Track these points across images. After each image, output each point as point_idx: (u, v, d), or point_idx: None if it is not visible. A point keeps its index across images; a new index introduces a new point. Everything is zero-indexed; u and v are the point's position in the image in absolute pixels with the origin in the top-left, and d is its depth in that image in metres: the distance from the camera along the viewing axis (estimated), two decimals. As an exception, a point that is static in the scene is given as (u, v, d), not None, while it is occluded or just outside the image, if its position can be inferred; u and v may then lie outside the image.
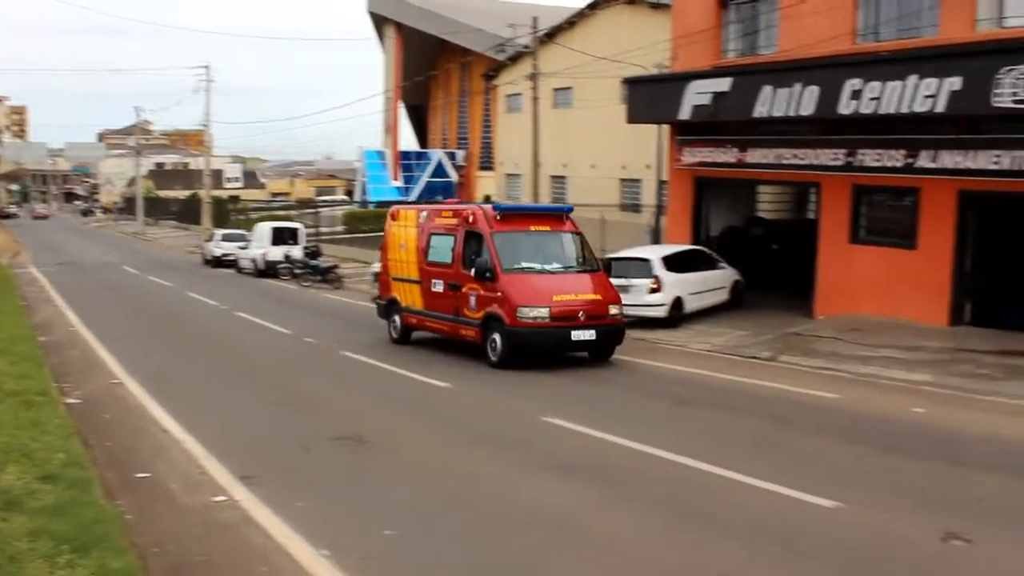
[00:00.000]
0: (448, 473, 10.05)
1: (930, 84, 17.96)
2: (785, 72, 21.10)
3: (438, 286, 18.53)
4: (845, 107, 19.53)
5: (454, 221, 18.45)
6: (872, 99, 18.99)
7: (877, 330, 19.10)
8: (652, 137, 29.68)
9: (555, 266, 17.73)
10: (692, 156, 24.77)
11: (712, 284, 23.04)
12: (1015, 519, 8.48)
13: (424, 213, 19.85)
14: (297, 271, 35.80)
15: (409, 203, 37.70)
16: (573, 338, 16.73)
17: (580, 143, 40.04)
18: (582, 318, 16.77)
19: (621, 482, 9.71)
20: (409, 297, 19.60)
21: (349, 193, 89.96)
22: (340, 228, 55.36)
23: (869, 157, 19.89)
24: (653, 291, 21.49)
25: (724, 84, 22.60)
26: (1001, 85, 16.85)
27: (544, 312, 16.51)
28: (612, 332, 17.34)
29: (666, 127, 26.77)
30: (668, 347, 19.50)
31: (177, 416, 12.60)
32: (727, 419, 12.85)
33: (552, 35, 39.59)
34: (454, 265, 18.09)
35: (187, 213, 78.65)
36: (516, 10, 44.64)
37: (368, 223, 50.36)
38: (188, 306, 28.04)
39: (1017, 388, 14.32)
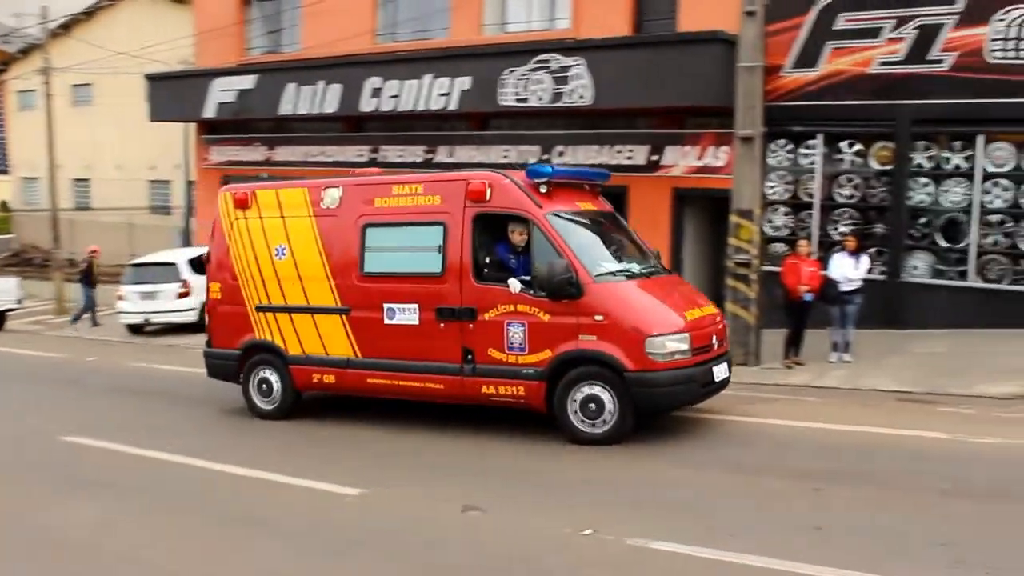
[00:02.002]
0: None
1: (444, 83, 18.82)
2: (309, 70, 21.16)
3: (402, 315, 10.76)
4: (367, 105, 19.96)
5: (437, 200, 10.67)
6: (392, 97, 19.57)
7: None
8: (180, 136, 28.53)
9: (639, 267, 10.81)
10: (220, 155, 24.11)
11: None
12: (519, 488, 8.80)
13: (336, 192, 11.43)
14: None
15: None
16: (716, 378, 10.30)
17: (104, 143, 37.60)
18: (716, 346, 10.42)
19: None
20: (311, 339, 11.49)
21: None
22: None
23: (392, 153, 20.47)
24: (182, 296, 20.60)
25: (249, 81, 22.22)
26: (505, 85, 18.01)
27: (684, 342, 9.86)
28: (729, 363, 10.88)
29: (193, 125, 25.82)
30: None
31: None
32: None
33: (68, 27, 36.88)
34: (449, 276, 10.46)
35: None
36: (25, -2, 41.06)
37: None
38: None
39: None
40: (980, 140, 15.14)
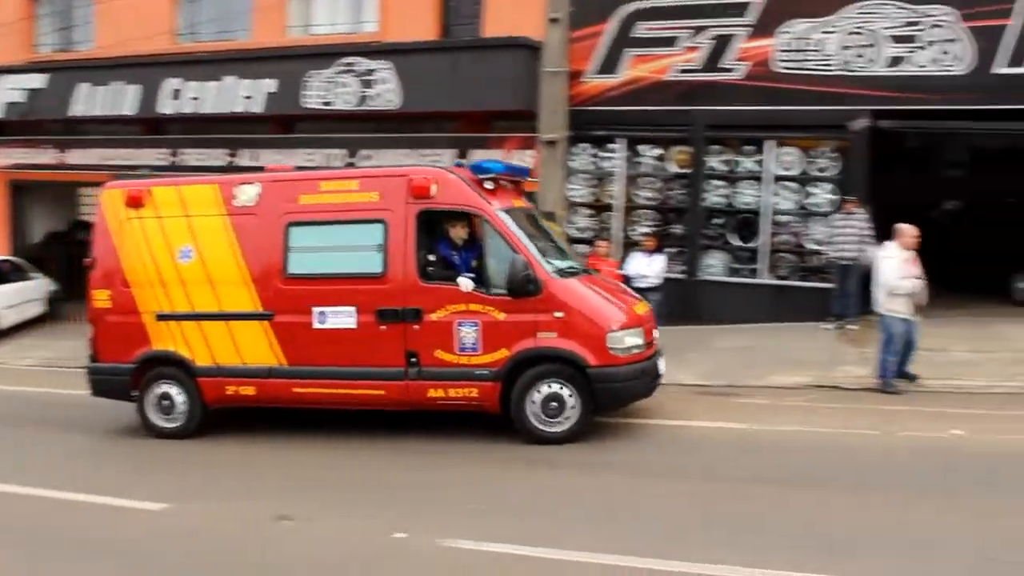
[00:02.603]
0: None
1: (247, 86, 18.42)
2: (104, 70, 20.24)
3: (336, 319, 10.15)
4: (166, 107, 19.31)
5: (375, 197, 10.15)
6: (193, 99, 19.00)
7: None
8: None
9: (576, 265, 10.80)
10: (8, 158, 22.73)
11: (28, 296, 21.23)
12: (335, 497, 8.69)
13: (252, 189, 10.65)
14: None
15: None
16: (660, 371, 10.39)
17: None
18: (655, 340, 10.50)
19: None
20: (225, 348, 10.64)
21: None
22: None
23: (192, 156, 19.78)
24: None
25: (39, 80, 21.08)
26: (310, 88, 17.78)
27: (640, 336, 9.93)
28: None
29: (-23, 127, 24.31)
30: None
31: None
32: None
33: None
34: (392, 276, 9.98)
35: None
36: None
37: None
38: None
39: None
40: (769, 145, 15.93)
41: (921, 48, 14.83)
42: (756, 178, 16.11)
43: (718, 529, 7.08)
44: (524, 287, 9.51)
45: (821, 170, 15.79)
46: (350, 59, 17.59)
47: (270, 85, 18.14)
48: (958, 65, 14.64)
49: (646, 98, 16.33)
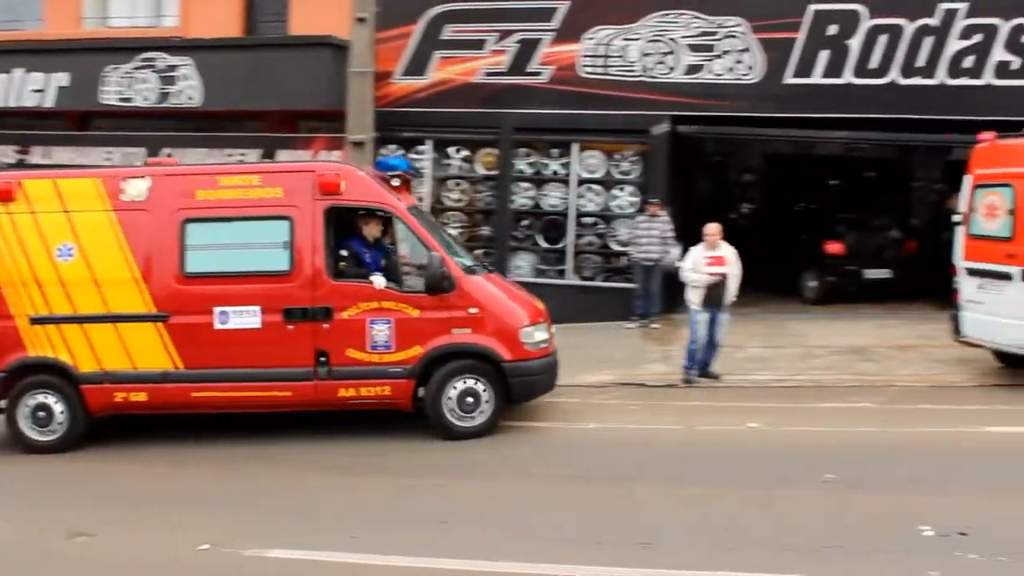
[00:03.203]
0: None
1: (38, 79, 17.58)
2: None
3: (239, 319, 9.73)
4: (-54, 99, 18.14)
5: (279, 193, 9.84)
6: (-23, 92, 17.93)
7: None
8: None
9: (475, 262, 10.96)
10: None
11: None
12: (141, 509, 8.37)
13: (142, 183, 9.99)
14: None
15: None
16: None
17: None
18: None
19: None
20: (113, 352, 9.88)
21: None
22: None
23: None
24: None
25: None
26: (108, 83, 17.09)
27: (546, 331, 10.23)
28: None
29: None
30: None
31: None
32: None
33: None
34: (299, 274, 9.72)
35: None
36: None
37: None
38: None
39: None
40: (575, 148, 16.27)
41: (717, 57, 15.44)
42: (562, 181, 16.41)
43: (522, 527, 7.19)
44: (441, 284, 9.54)
45: (624, 173, 16.24)
46: (150, 54, 17.01)
47: (63, 79, 17.32)
48: (751, 75, 15.32)
49: (454, 100, 16.39)
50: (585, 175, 16.32)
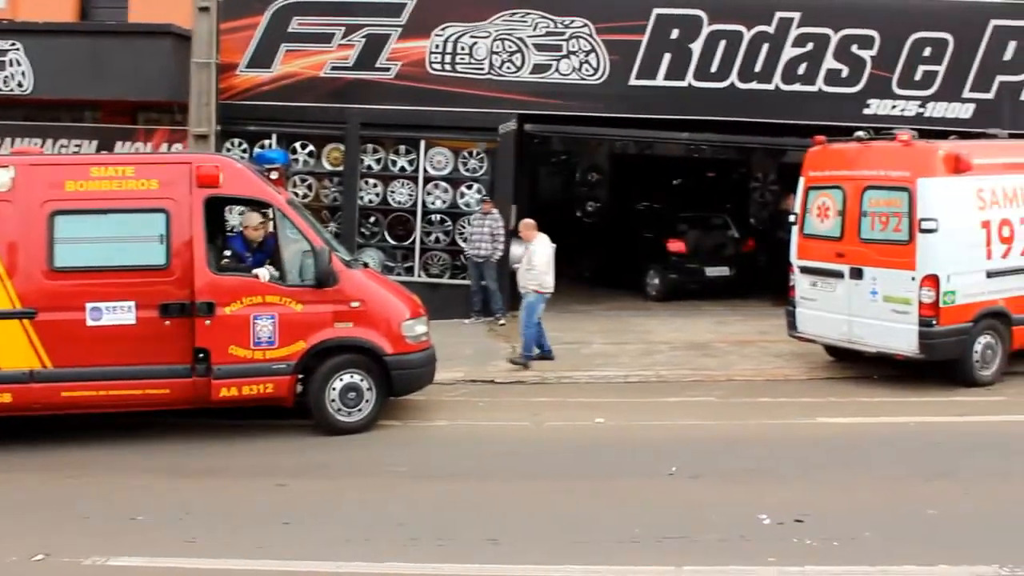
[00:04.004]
0: None
1: None
2: None
3: (112, 315, 9.29)
4: None
5: (154, 185, 9.48)
6: None
7: None
8: None
9: (351, 256, 11.07)
10: None
11: None
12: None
13: (5, 173, 9.37)
14: None
15: None
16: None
17: None
18: None
19: None
20: None
21: None
22: None
23: None
24: None
25: None
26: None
27: (425, 324, 10.27)
28: None
29: None
30: None
31: None
32: None
33: None
34: (177, 268, 9.41)
35: None
36: None
37: None
38: None
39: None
40: (423, 145, 16.22)
41: (564, 57, 15.65)
42: (410, 178, 16.34)
43: (369, 526, 7.12)
44: (328, 278, 9.43)
45: (472, 171, 16.30)
46: (-26, 37, 16.10)
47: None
48: (596, 75, 15.59)
49: (300, 94, 16.10)
50: (433, 172, 16.29)
